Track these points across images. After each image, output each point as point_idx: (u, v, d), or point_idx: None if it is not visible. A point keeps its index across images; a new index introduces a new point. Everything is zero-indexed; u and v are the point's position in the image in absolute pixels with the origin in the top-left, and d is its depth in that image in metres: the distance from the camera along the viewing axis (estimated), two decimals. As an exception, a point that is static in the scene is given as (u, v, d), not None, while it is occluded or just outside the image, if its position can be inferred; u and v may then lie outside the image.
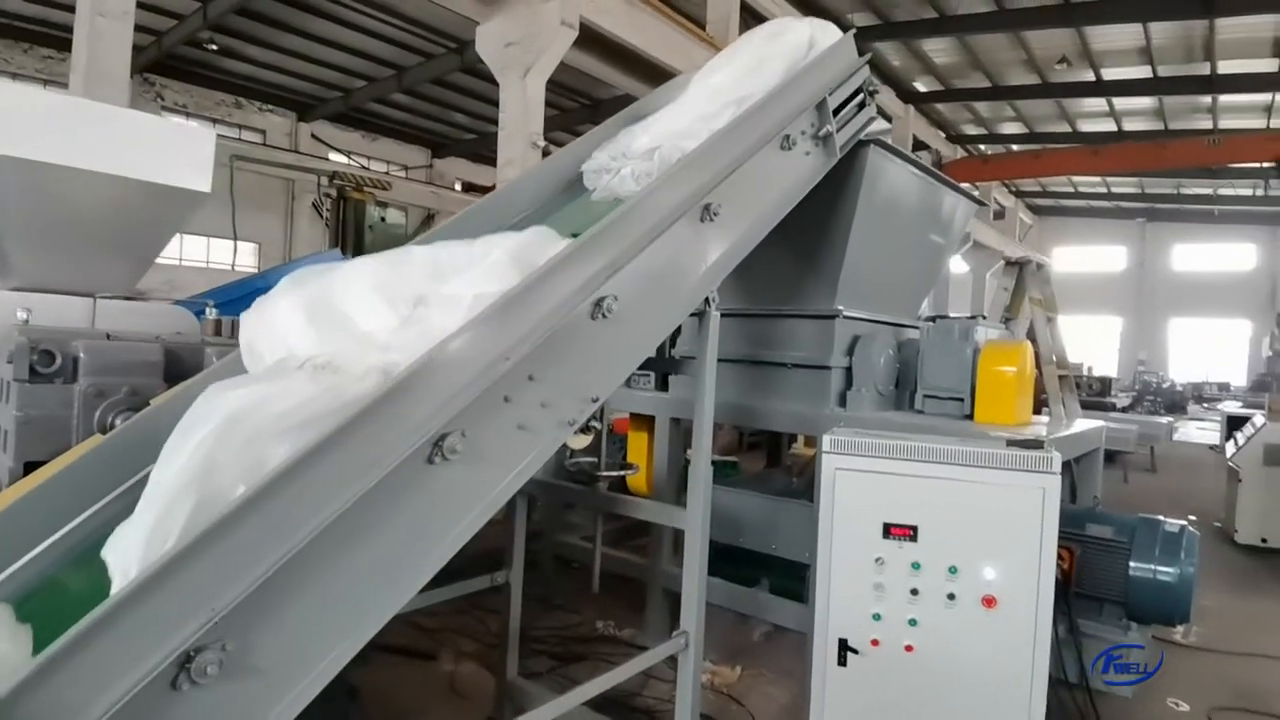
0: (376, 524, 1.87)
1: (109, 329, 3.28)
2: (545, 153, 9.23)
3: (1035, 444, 2.66)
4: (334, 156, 19.83)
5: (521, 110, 9.28)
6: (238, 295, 6.42)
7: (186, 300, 4.85)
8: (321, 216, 19.10)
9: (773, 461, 6.73)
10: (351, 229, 16.58)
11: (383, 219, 17.27)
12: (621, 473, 3.54)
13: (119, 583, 1.70)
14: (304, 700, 1.76)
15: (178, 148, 3.63)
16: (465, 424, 2.02)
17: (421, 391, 1.94)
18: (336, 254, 10.05)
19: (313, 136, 19.94)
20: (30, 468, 2.89)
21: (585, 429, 2.69)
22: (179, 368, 3.17)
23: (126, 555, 1.71)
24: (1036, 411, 4.75)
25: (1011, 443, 2.68)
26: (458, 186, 21.68)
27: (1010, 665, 2.52)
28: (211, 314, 3.90)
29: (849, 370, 4.26)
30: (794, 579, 4.32)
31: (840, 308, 4.20)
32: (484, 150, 20.79)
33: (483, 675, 4.10)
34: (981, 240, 22.78)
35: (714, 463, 3.05)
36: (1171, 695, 4.26)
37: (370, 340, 2.14)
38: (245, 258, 18.12)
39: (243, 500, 1.62)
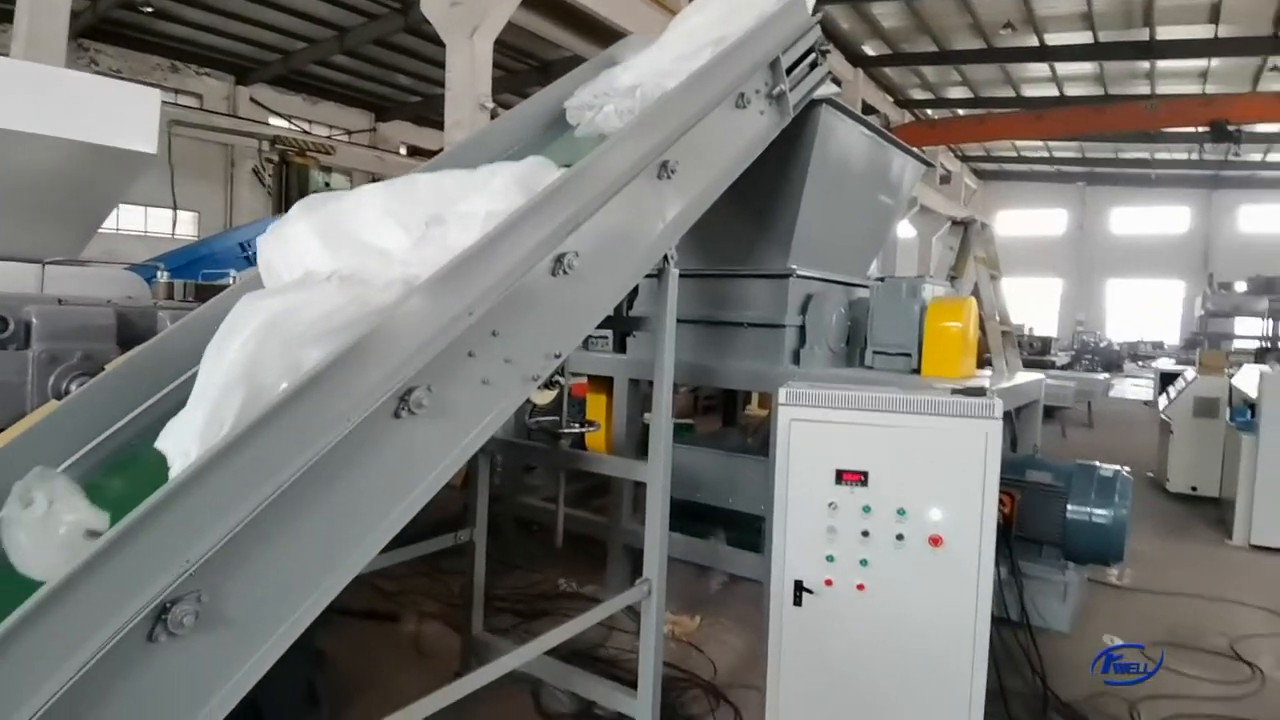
0: (345, 477, 1.88)
1: (59, 294, 3.19)
2: (493, 115, 9.09)
3: (978, 391, 2.78)
4: (274, 121, 19.22)
5: (468, 72, 9.11)
6: (186, 261, 6.28)
7: (136, 265, 4.72)
8: (263, 183, 18.56)
9: (728, 423, 6.86)
10: (296, 195, 16.13)
11: (327, 184, 16.82)
12: (583, 430, 3.60)
13: (179, 465, 1.82)
14: (279, 649, 1.79)
15: (122, 109, 3.50)
16: (431, 378, 2.05)
17: (387, 345, 1.96)
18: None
19: (252, 100, 19.28)
20: (-17, 436, 2.83)
21: (548, 385, 2.73)
22: (132, 332, 3.10)
23: (184, 440, 1.84)
24: (980, 367, 4.94)
25: (956, 391, 2.80)
26: (402, 150, 21.21)
27: (956, 600, 2.67)
28: (163, 277, 3.81)
29: (802, 329, 4.36)
30: (749, 531, 4.46)
31: (794, 267, 4.29)
32: (429, 113, 20.34)
33: (447, 634, 4.16)
34: (928, 205, 23.19)
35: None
36: (1106, 632, 4.50)
37: (389, 257, 2.25)
38: (184, 227, 17.58)
39: (214, 451, 1.64)
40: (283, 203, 16.30)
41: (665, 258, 2.92)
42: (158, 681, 1.61)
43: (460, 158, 3.08)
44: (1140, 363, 26.83)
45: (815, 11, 3.80)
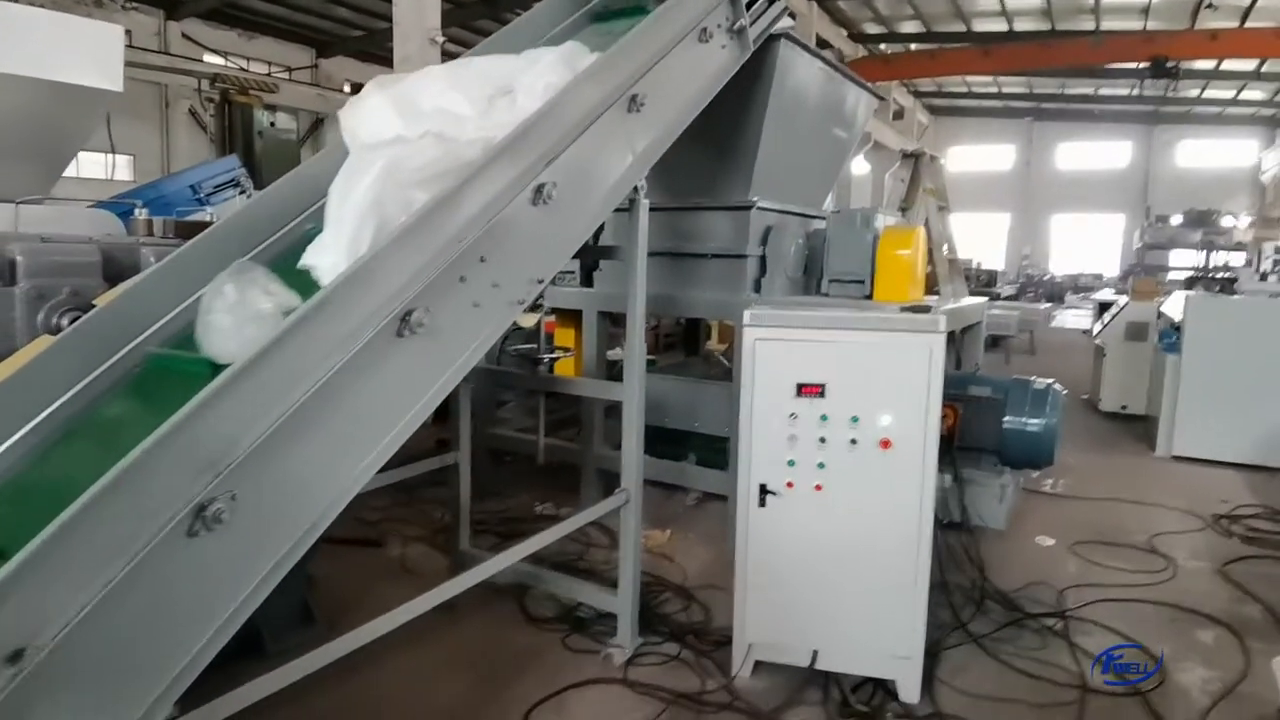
0: (356, 391, 2.05)
1: (39, 233, 3.21)
2: (444, 51, 8.94)
3: (924, 309, 3.05)
4: (208, 58, 18.40)
5: (416, 4, 8.90)
6: (153, 197, 6.18)
7: (104, 204, 4.67)
8: (202, 125, 17.88)
9: (690, 355, 7.10)
10: (240, 136, 15.60)
11: (272, 124, 16.29)
12: (559, 356, 3.79)
13: (328, 278, 2.15)
14: (305, 545, 1.97)
15: (85, 46, 3.44)
16: (428, 301, 2.21)
17: (388, 268, 2.12)
18: (233, 161, 9.58)
19: (184, 36, 18.36)
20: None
21: (533, 309, 2.91)
22: (114, 268, 3.16)
23: (336, 256, 2.19)
24: (930, 295, 5.23)
25: (904, 309, 3.06)
26: (346, 89, 20.51)
27: (904, 496, 2.95)
28: (142, 214, 3.82)
29: (763, 259, 4.57)
30: (713, 451, 4.74)
31: (755, 199, 4.47)
32: (373, 49, 19.66)
33: (432, 555, 4.39)
34: (881, 140, 23.39)
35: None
36: (1039, 534, 4.94)
37: (464, 122, 2.54)
38: (120, 171, 16.90)
39: (240, 365, 1.79)
40: (226, 144, 15.77)
41: (635, 188, 3.08)
42: (198, 572, 1.78)
43: (501, 45, 3.37)
44: (1081, 294, 27.77)
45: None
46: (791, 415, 3.01)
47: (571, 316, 5.13)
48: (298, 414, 1.91)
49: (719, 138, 4.43)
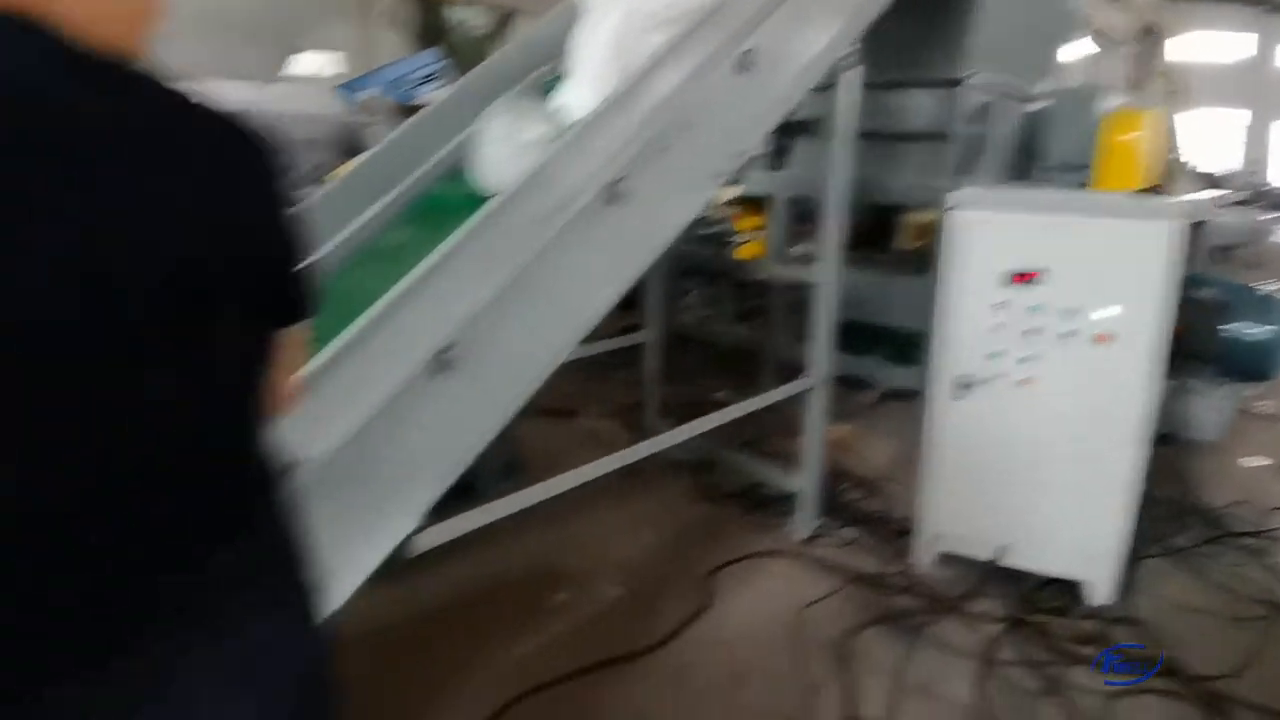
0: (572, 255, 2.17)
1: (280, 111, 3.53)
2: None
3: (1158, 191, 2.74)
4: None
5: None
6: (377, 83, 6.57)
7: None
8: (397, 23, 18.61)
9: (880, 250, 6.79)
10: (431, 32, 16.10)
11: (462, 22, 16.67)
12: (749, 239, 3.78)
13: (581, 113, 2.40)
14: (528, 392, 2.16)
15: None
16: (634, 169, 2.26)
17: (598, 138, 2.19)
18: (433, 54, 9.93)
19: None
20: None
21: (731, 183, 2.90)
22: (349, 145, 3.46)
23: (581, 98, 2.46)
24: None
25: (1136, 192, 2.77)
26: (533, -16, 20.49)
27: (1120, 394, 2.74)
28: (371, 93, 4.09)
29: (973, 141, 4.22)
30: (901, 346, 4.59)
31: (965, 74, 4.10)
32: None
33: (620, 432, 4.63)
34: (1102, 25, 20.57)
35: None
36: (1251, 453, 4.56)
37: None
38: (327, 70, 18.00)
39: (466, 230, 1.95)
40: (422, 40, 16.34)
41: (842, 57, 2.94)
42: (440, 406, 1.99)
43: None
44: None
45: None
46: (999, 304, 2.85)
47: (753, 206, 5.03)
48: (527, 271, 2.06)
49: (927, 3, 4.06)
